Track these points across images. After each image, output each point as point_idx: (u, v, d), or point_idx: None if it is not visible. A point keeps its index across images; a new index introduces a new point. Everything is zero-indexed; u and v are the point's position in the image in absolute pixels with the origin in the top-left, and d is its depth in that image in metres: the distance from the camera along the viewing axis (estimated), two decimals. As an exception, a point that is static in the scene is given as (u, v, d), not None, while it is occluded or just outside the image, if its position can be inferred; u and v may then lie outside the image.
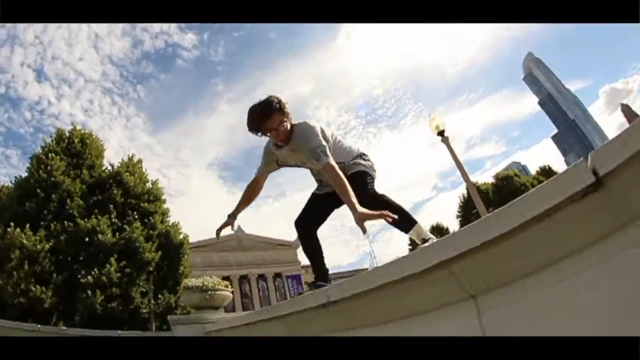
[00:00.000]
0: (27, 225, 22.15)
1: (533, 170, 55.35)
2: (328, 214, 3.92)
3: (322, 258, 3.84)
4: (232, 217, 3.84)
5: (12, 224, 21.85)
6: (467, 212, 41.30)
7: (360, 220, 2.75)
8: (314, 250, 3.78)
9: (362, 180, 3.52)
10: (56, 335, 7.26)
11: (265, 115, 3.26)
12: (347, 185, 3.01)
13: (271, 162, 3.77)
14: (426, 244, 3.04)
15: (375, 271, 2.32)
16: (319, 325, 3.01)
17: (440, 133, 13.64)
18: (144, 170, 29.10)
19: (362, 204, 2.89)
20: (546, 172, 47.74)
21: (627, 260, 1.25)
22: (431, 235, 3.52)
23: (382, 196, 3.55)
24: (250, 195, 3.90)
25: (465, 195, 44.02)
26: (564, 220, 1.31)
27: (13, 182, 26.86)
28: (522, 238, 1.43)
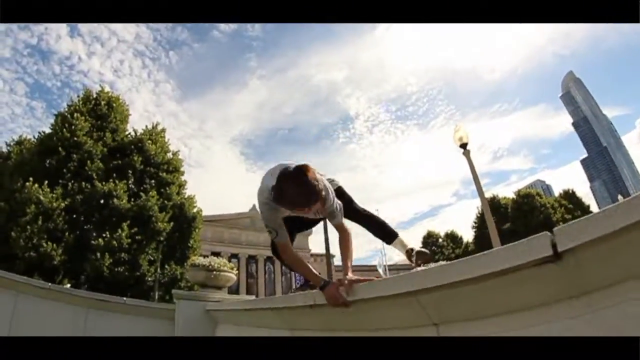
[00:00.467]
0: (46, 181, 22.77)
1: (557, 191, 54.82)
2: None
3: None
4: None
5: (30, 179, 22.45)
6: (483, 224, 41.30)
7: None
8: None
9: (345, 192, 3.72)
10: (63, 293, 7.59)
11: (315, 200, 2.80)
12: (349, 246, 3.20)
13: (281, 220, 3.28)
14: (419, 268, 3.20)
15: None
16: (306, 321, 3.40)
17: (463, 145, 13.52)
18: (166, 140, 29.56)
19: (351, 212, 3.18)
20: (569, 197, 47.69)
21: (568, 327, 1.49)
22: (414, 246, 3.67)
23: (365, 210, 3.74)
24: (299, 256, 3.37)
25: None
26: (520, 280, 1.54)
27: (35, 136, 27.49)
28: (483, 286, 1.66)
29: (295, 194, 2.65)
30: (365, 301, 2.34)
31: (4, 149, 29.94)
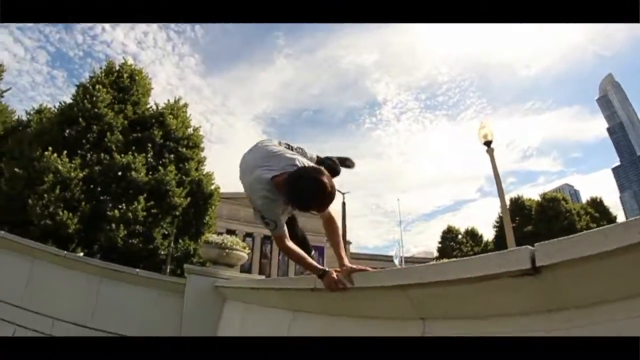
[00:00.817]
0: (65, 151, 23.22)
1: (584, 197, 53.96)
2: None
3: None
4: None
5: (50, 148, 22.87)
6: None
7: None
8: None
9: None
10: (78, 261, 7.88)
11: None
12: (339, 233, 3.29)
13: (279, 211, 3.24)
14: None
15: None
16: (307, 303, 3.62)
17: (487, 143, 13.37)
18: (187, 116, 29.76)
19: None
20: (596, 205, 46.71)
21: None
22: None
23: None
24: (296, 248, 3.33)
25: (507, 207, 43.06)
26: (499, 287, 1.69)
27: (56, 105, 27.95)
28: (464, 289, 1.83)
29: (317, 197, 2.69)
30: (360, 290, 2.53)
31: (24, 118, 30.45)
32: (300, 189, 2.72)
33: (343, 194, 36.37)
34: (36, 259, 7.48)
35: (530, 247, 1.53)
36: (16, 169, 22.69)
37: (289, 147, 3.58)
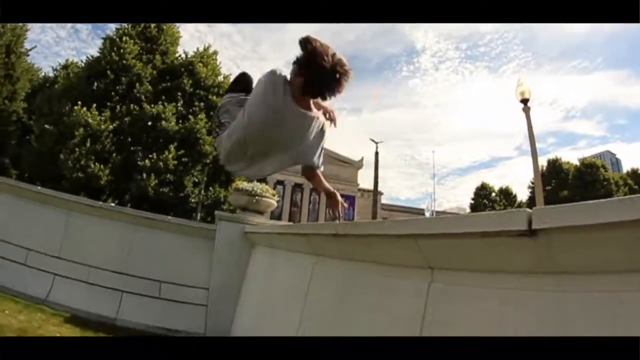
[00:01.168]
0: (94, 105, 23.78)
1: (625, 167, 51.89)
2: None
3: None
4: None
5: (79, 102, 23.43)
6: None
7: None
8: None
9: None
10: (112, 211, 8.25)
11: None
12: None
13: None
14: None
15: (368, 223, 3.15)
16: (330, 248, 3.81)
17: (524, 101, 13.10)
18: (217, 63, 29.81)
19: None
20: (636, 176, 45.20)
21: (536, 298, 1.73)
22: None
23: None
24: None
25: (544, 168, 42.27)
26: (499, 244, 1.81)
27: (82, 59, 28.52)
28: (469, 242, 1.97)
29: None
30: (378, 237, 2.72)
31: (51, 74, 31.21)
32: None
33: (376, 143, 36.19)
34: (71, 211, 7.88)
35: (528, 209, 1.62)
36: (46, 125, 23.35)
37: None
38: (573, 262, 1.61)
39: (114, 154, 23.96)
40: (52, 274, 7.40)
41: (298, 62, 2.38)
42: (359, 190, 49.08)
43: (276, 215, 35.87)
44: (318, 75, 2.34)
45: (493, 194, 49.72)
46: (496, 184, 52.02)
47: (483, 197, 48.74)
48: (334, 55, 2.33)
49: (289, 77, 2.47)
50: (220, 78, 29.36)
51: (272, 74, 2.51)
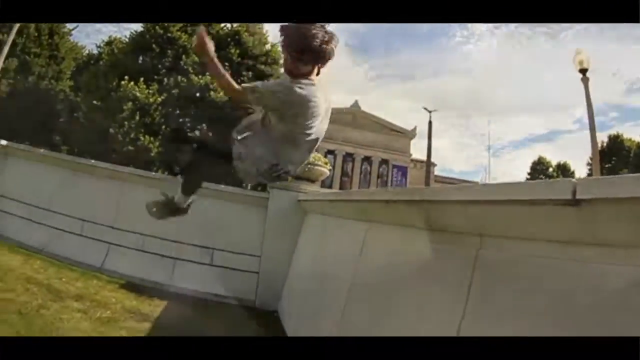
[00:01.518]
0: (141, 78, 24.22)
1: None
2: None
3: None
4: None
5: (125, 77, 23.94)
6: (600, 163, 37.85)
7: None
8: None
9: None
10: (166, 181, 8.56)
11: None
12: None
13: None
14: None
15: (418, 189, 3.31)
16: (382, 215, 3.92)
17: (582, 71, 12.66)
18: (264, 32, 29.69)
19: None
20: None
21: (575, 269, 1.76)
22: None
23: None
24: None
25: (604, 144, 40.02)
26: (544, 213, 1.83)
27: (125, 35, 29.22)
28: (515, 210, 2.01)
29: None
30: (429, 202, 2.81)
31: (95, 52, 32.09)
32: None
33: (429, 112, 35.59)
34: (125, 182, 8.33)
35: (573, 179, 1.64)
36: (94, 102, 24.05)
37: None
38: (616, 235, 1.61)
39: (164, 127, 24.40)
40: (107, 243, 7.91)
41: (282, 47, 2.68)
42: (412, 160, 47.99)
43: (327, 185, 35.85)
44: (293, 37, 2.62)
45: (550, 169, 47.66)
46: (553, 158, 49.45)
47: (540, 172, 46.70)
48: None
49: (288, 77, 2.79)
50: (268, 47, 29.22)
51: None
